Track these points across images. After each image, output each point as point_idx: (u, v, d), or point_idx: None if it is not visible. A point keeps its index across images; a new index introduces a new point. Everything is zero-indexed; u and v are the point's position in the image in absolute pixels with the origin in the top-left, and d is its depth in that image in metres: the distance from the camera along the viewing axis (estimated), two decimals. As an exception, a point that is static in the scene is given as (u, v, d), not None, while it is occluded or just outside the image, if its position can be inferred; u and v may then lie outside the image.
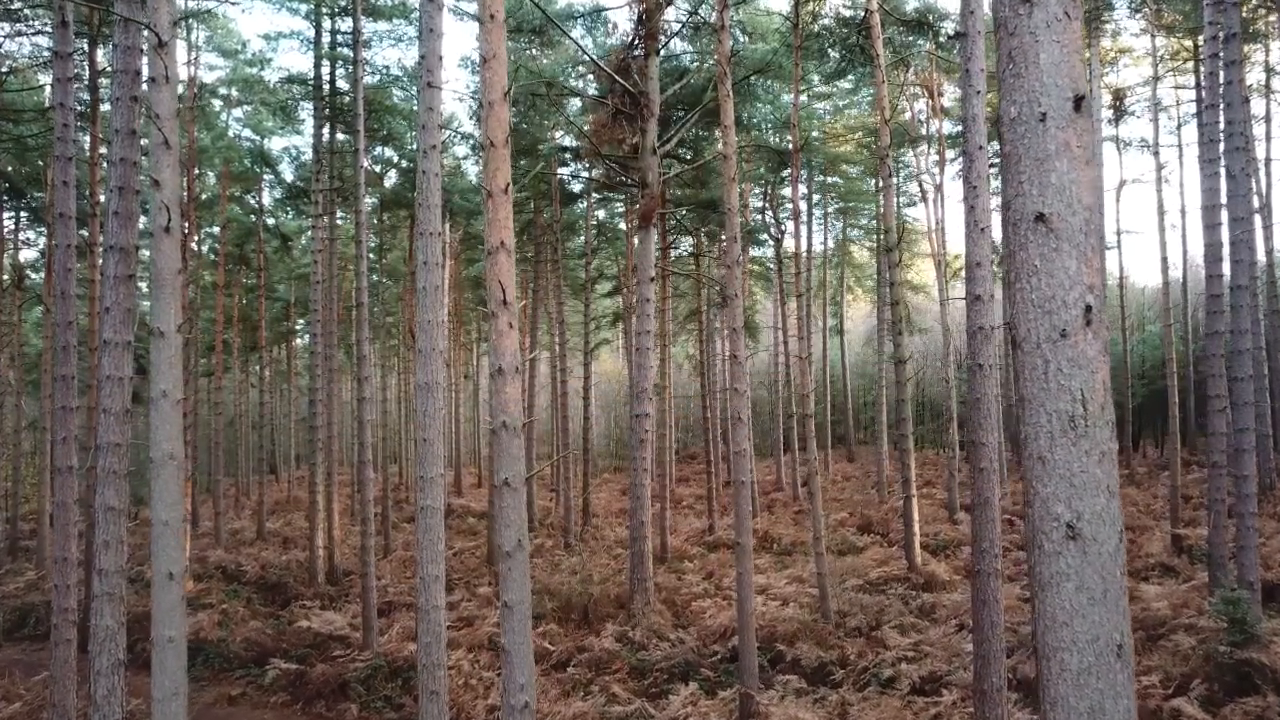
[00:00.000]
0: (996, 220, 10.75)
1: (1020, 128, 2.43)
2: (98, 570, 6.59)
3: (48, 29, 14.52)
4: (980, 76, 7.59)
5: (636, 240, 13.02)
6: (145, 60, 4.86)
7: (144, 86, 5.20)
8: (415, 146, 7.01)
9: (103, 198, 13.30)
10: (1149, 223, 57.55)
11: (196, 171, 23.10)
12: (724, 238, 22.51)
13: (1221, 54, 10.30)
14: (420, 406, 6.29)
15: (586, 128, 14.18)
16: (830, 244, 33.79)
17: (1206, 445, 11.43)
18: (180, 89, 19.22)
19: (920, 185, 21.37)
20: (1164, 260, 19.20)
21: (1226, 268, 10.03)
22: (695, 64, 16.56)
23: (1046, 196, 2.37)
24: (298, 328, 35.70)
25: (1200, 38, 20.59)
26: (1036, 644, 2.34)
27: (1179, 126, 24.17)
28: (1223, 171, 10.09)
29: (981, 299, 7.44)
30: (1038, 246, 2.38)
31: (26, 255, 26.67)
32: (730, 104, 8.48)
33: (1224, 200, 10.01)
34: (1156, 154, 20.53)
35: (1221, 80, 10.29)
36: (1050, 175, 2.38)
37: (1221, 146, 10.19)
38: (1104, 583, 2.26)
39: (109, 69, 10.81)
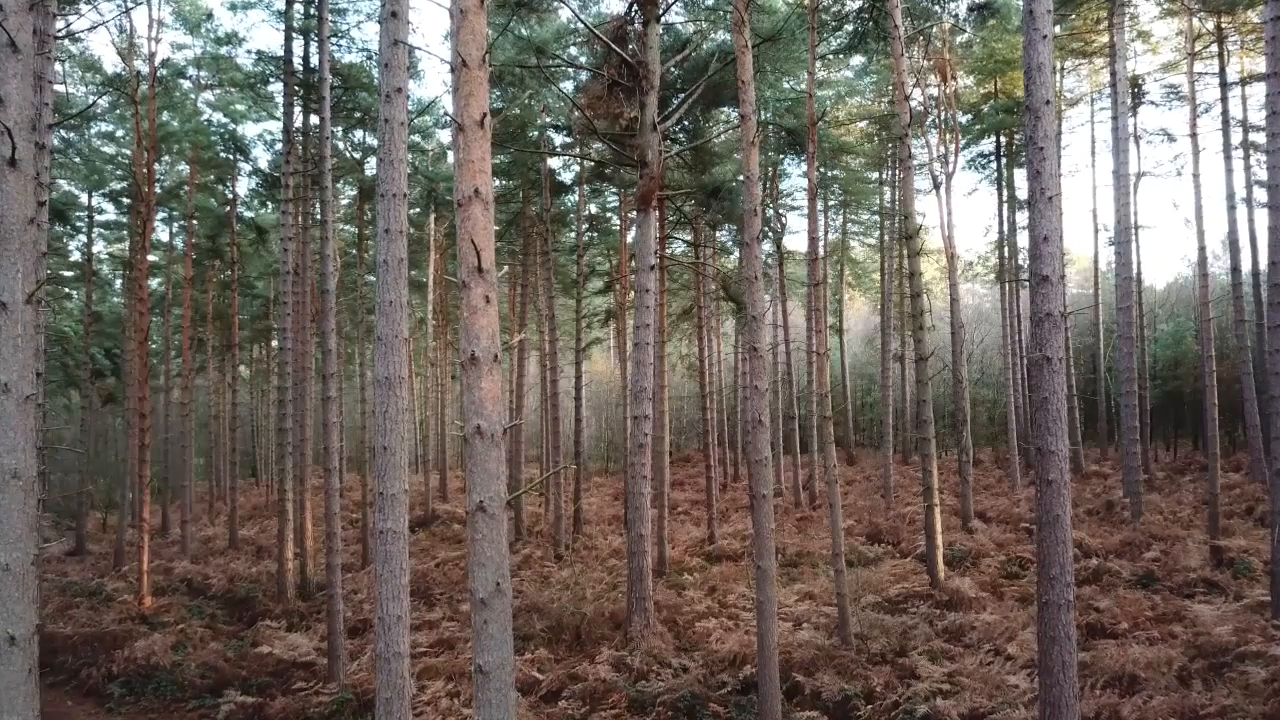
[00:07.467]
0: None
1: None
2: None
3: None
4: (1046, 19, 6.43)
5: (635, 227, 11.86)
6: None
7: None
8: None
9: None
10: (1153, 219, 56.69)
11: (167, 157, 21.80)
12: (739, 215, 21.24)
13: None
14: (379, 406, 5.08)
15: (580, 105, 12.99)
16: (830, 240, 32.75)
17: (1264, 450, 10.28)
18: (141, 66, 17.94)
19: (932, 175, 20.26)
20: (1201, 250, 18.15)
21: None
22: (696, 37, 15.41)
23: None
24: (277, 326, 34.27)
25: (1225, 18, 19.77)
26: None
27: (1195, 117, 23.21)
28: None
29: (1050, 280, 6.28)
30: None
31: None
32: (748, 57, 7.32)
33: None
34: (1193, 137, 19.48)
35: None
36: None
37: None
38: None
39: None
